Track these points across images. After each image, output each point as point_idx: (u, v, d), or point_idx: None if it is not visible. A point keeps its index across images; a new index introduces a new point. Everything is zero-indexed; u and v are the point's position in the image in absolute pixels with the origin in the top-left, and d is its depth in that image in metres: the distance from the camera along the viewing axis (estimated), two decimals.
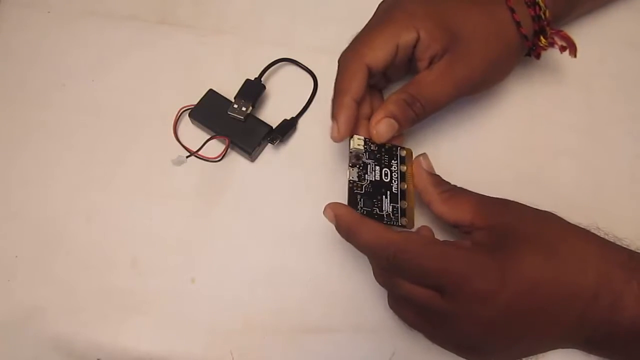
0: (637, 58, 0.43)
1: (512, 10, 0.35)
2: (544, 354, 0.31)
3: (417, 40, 0.34)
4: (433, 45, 0.34)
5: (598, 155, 0.40)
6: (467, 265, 0.28)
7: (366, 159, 0.34)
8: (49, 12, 0.46)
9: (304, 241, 0.38)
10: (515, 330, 0.28)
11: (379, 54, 0.34)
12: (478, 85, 0.36)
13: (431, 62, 0.35)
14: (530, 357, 0.32)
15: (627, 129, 0.41)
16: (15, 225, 0.40)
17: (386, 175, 0.34)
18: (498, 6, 0.35)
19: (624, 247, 0.30)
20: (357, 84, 0.34)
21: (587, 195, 0.39)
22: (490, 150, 0.40)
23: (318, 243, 0.38)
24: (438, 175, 0.34)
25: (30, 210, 0.40)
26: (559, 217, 0.31)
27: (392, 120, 0.34)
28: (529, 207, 0.31)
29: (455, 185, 0.34)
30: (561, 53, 0.37)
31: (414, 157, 0.36)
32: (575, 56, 0.37)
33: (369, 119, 0.35)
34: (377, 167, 0.34)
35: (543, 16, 0.35)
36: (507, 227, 0.30)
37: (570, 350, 0.31)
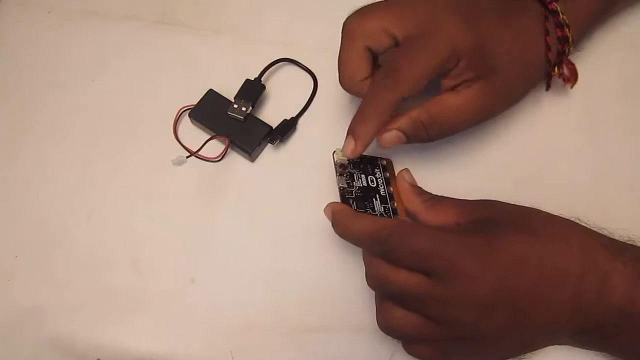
0: (637, 59, 0.43)
1: (548, 48, 0.35)
2: (538, 351, 0.32)
3: (455, 65, 0.33)
4: (468, 72, 0.33)
5: (598, 156, 0.40)
6: (457, 246, 0.28)
7: (351, 169, 0.36)
8: (49, 12, 0.46)
9: (304, 241, 0.38)
10: (508, 313, 0.28)
11: (416, 88, 0.32)
12: (495, 115, 0.37)
13: (459, 84, 0.33)
14: (526, 354, 0.32)
15: (627, 130, 0.41)
16: (15, 225, 0.40)
17: (372, 181, 0.36)
18: (535, 44, 0.35)
19: (605, 234, 0.31)
20: (386, 115, 0.33)
21: (587, 195, 0.39)
22: (490, 150, 0.40)
23: (318, 243, 0.38)
24: (420, 187, 0.35)
25: (30, 210, 0.40)
26: (540, 210, 0.32)
27: (402, 135, 0.34)
28: (510, 203, 0.32)
29: (436, 195, 0.34)
30: (564, 85, 0.38)
31: (396, 170, 0.37)
32: (572, 87, 0.38)
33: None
34: (363, 176, 0.36)
35: (567, 50, 0.36)
36: (491, 218, 0.31)
37: (565, 348, 0.31)
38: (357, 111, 0.34)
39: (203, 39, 0.45)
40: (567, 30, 0.35)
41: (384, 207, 0.34)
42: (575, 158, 0.40)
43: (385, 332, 0.32)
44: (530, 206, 0.32)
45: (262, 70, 0.42)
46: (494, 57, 0.33)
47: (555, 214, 0.32)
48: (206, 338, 0.37)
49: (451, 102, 0.34)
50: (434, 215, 0.33)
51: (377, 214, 0.34)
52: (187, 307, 0.37)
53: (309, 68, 0.43)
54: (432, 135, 0.34)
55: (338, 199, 0.34)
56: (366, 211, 0.34)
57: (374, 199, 0.35)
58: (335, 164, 0.36)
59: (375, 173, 0.36)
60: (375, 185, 0.36)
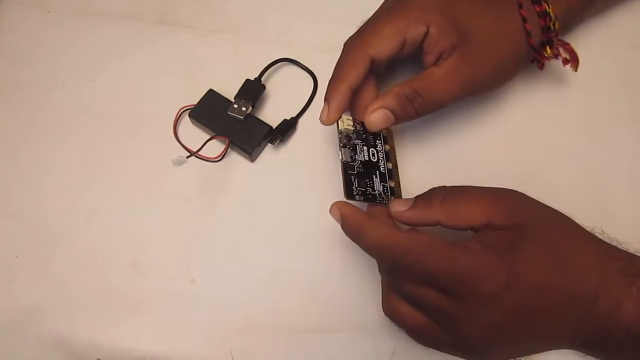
0: (637, 58, 0.43)
1: (524, 20, 0.35)
2: (539, 354, 0.32)
3: (426, 34, 0.34)
4: (442, 40, 0.34)
5: (598, 155, 0.40)
6: (474, 269, 0.28)
7: (355, 139, 0.35)
8: (49, 12, 0.46)
9: (304, 241, 0.38)
10: (518, 333, 0.28)
11: (384, 46, 0.34)
12: (482, 87, 0.36)
13: (439, 58, 0.34)
14: (525, 357, 0.32)
15: (627, 129, 0.41)
16: (15, 225, 0.40)
17: (373, 155, 0.35)
18: (510, 14, 0.35)
19: (624, 252, 0.30)
20: (356, 73, 0.34)
21: (587, 195, 0.39)
22: (490, 149, 0.40)
23: (318, 243, 0.38)
24: (423, 199, 0.32)
25: (30, 210, 0.40)
26: (569, 219, 0.31)
27: (388, 112, 0.34)
28: (542, 205, 0.31)
29: (445, 192, 0.31)
30: (564, 66, 0.37)
31: (394, 138, 0.37)
32: (576, 70, 0.37)
33: (364, 104, 0.35)
34: (365, 147, 0.35)
35: (552, 27, 0.35)
36: (521, 228, 0.29)
37: (566, 350, 0.31)
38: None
39: (203, 39, 0.45)
40: (546, 5, 0.35)
41: (383, 186, 0.34)
42: (575, 157, 0.40)
43: (389, 318, 0.32)
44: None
45: (262, 70, 0.42)
46: (466, 26, 0.34)
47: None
48: (206, 338, 0.37)
49: (433, 74, 0.34)
50: (459, 221, 0.30)
51: (376, 195, 0.34)
52: (187, 307, 0.37)
53: (309, 68, 0.43)
54: (419, 109, 0.34)
55: (339, 195, 0.34)
56: (366, 190, 0.33)
57: (374, 176, 0.34)
58: (339, 134, 0.34)
59: (377, 145, 0.36)
60: (375, 160, 0.35)
